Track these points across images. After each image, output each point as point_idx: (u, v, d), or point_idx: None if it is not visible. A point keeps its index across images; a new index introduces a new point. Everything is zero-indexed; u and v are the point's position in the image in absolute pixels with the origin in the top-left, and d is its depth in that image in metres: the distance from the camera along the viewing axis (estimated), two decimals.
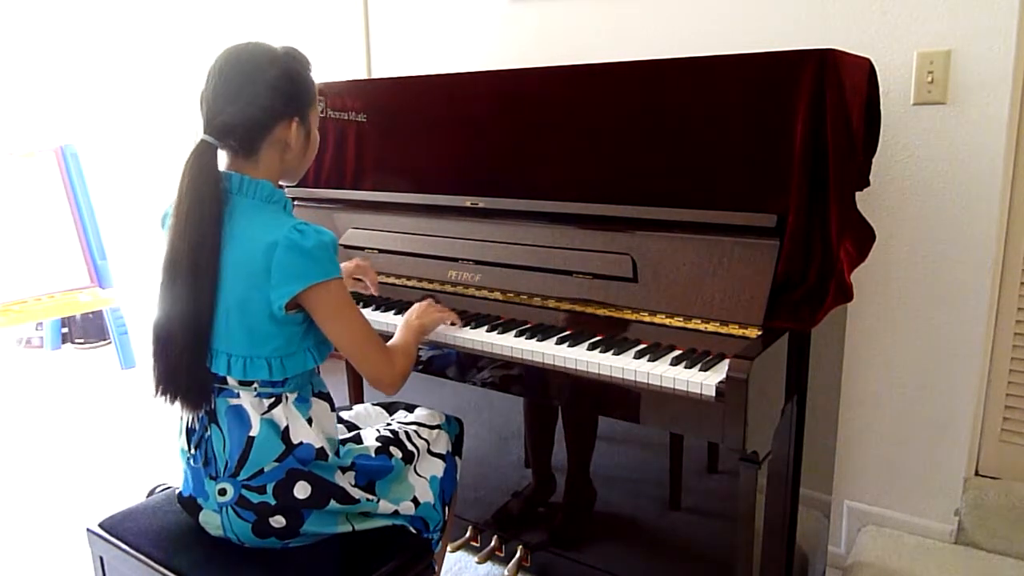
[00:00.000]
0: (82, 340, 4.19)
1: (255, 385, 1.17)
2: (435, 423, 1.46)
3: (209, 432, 1.20)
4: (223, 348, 1.15)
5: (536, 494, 1.88)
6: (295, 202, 2.04)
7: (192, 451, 1.23)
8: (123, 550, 1.27)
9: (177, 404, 1.18)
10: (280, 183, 1.25)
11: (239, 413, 1.17)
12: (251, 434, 1.16)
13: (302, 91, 1.19)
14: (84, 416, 3.18)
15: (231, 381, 1.17)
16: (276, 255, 1.09)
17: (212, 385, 1.18)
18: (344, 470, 1.24)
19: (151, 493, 1.48)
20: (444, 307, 1.51)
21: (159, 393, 1.17)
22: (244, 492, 1.17)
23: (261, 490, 1.16)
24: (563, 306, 1.48)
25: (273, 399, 1.18)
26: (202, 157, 1.13)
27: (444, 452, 1.43)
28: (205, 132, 1.14)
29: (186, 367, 1.14)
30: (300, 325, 1.17)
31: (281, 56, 1.17)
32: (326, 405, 1.27)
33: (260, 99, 1.13)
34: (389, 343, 1.31)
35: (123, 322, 3.62)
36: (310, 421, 1.21)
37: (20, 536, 2.25)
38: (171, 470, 1.31)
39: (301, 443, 1.18)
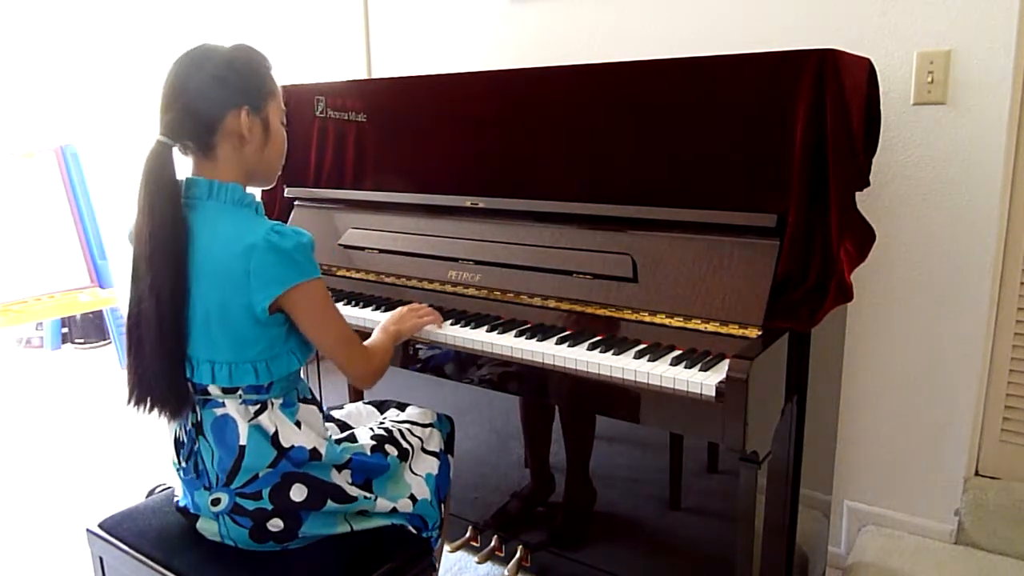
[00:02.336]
0: (82, 340, 4.19)
1: (240, 392, 1.16)
2: (427, 421, 1.46)
3: (198, 445, 1.19)
4: (205, 356, 1.14)
5: (536, 494, 1.88)
6: (296, 202, 2.04)
7: (183, 463, 1.22)
8: (123, 550, 1.27)
9: (155, 413, 1.16)
10: (251, 185, 1.24)
11: (226, 423, 1.16)
12: (241, 443, 1.15)
13: (250, 80, 1.17)
14: (84, 416, 3.18)
15: (214, 391, 1.16)
16: (255, 257, 1.08)
17: (192, 395, 1.17)
18: (340, 468, 1.23)
19: (151, 493, 1.48)
20: (426, 310, 1.50)
21: (132, 401, 1.15)
22: (239, 500, 1.16)
23: (257, 496, 1.16)
24: (563, 306, 1.48)
25: (259, 405, 1.17)
26: (157, 157, 1.12)
27: (437, 450, 1.43)
28: (159, 133, 1.13)
29: (161, 375, 1.12)
30: (282, 327, 1.16)
31: (225, 50, 1.17)
32: (313, 408, 1.27)
33: (203, 89, 1.13)
34: (366, 342, 1.32)
35: (123, 322, 3.61)
36: (299, 424, 1.20)
37: (20, 536, 2.25)
38: (171, 471, 1.30)
39: (293, 446, 1.18)
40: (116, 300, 3.54)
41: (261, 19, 2.88)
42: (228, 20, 3.03)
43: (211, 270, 1.10)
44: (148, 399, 1.15)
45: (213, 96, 1.13)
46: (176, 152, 1.15)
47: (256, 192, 1.25)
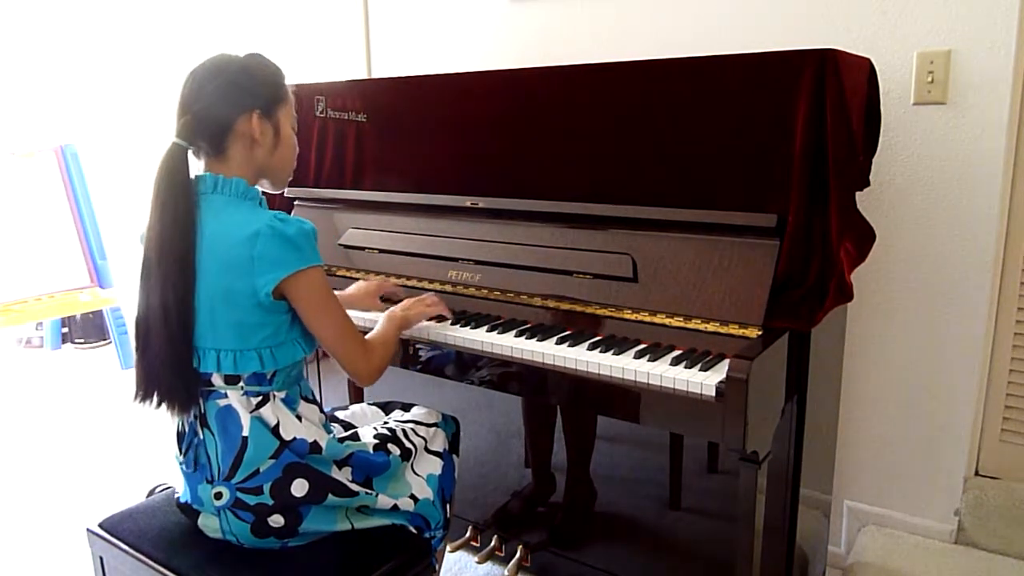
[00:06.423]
0: (82, 340, 4.19)
1: (242, 383, 1.17)
2: (432, 421, 1.47)
3: (201, 436, 1.19)
4: (211, 345, 1.15)
5: (536, 494, 1.88)
6: (296, 202, 2.04)
7: (182, 456, 1.23)
8: (123, 550, 1.27)
9: (163, 408, 1.17)
10: (262, 187, 1.28)
11: (229, 414, 1.17)
12: (244, 434, 1.16)
13: (262, 86, 1.22)
14: (84, 416, 3.18)
15: (217, 381, 1.17)
16: (259, 243, 1.11)
17: (198, 387, 1.18)
18: (340, 464, 1.24)
19: (151, 493, 1.48)
20: (433, 300, 1.51)
21: (140, 397, 1.18)
22: (240, 495, 1.17)
23: (258, 491, 1.16)
24: (563, 306, 1.48)
25: (260, 397, 1.18)
26: (172, 158, 1.16)
27: (441, 450, 1.43)
28: (175, 135, 1.18)
29: (168, 366, 1.14)
30: (287, 314, 1.19)
31: (240, 57, 1.23)
32: (314, 407, 1.27)
33: (218, 93, 1.18)
34: (368, 335, 1.32)
35: (123, 322, 3.62)
36: (299, 418, 1.21)
37: (20, 536, 2.25)
38: (171, 470, 1.31)
39: (295, 438, 1.18)
40: (116, 300, 3.54)
41: (262, 19, 2.88)
42: (229, 20, 3.03)
43: (217, 259, 1.13)
44: (155, 393, 1.17)
45: (227, 99, 1.18)
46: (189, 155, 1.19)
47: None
